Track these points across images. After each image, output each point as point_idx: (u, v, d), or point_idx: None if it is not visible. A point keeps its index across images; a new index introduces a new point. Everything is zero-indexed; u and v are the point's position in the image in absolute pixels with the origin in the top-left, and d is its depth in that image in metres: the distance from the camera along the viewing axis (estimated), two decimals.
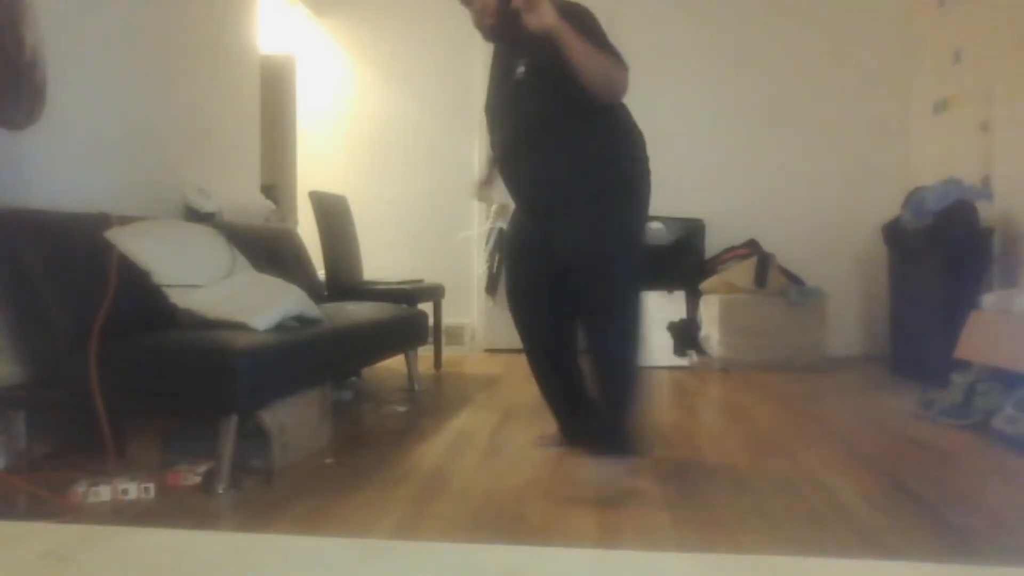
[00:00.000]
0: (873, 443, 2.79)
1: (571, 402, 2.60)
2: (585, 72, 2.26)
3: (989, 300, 3.27)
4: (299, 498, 2.06)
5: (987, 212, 3.76)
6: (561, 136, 2.44)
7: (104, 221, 2.45)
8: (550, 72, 2.34)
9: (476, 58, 5.08)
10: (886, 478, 2.29)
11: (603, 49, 2.33)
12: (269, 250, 3.32)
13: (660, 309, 4.65)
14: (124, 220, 2.51)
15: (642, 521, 1.91)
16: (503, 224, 5.03)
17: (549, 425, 2.76)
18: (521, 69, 2.45)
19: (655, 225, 4.83)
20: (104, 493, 2.01)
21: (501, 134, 2.55)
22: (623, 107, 2.48)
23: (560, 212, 2.41)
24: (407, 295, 3.95)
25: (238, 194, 3.79)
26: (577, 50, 2.22)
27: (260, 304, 2.40)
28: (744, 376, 4.20)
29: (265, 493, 2.11)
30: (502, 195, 3.02)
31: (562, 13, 2.31)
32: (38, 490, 1.99)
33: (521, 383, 3.39)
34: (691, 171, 5.06)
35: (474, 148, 5.13)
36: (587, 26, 2.37)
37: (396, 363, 3.64)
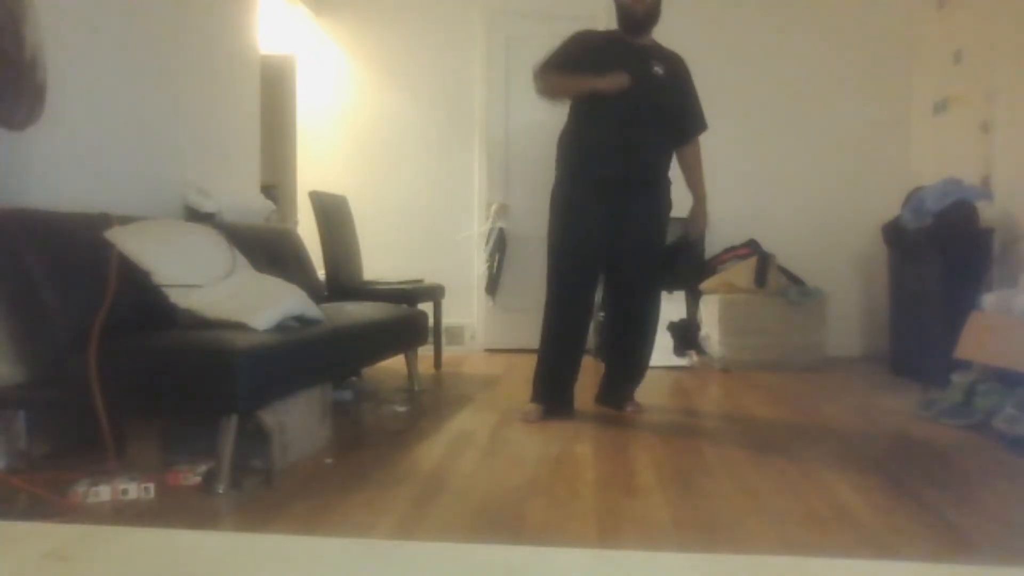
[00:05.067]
0: (873, 443, 2.79)
1: (576, 373, 3.14)
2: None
3: (989, 300, 3.26)
4: (299, 498, 2.06)
5: (987, 212, 3.75)
6: (665, 133, 3.08)
7: (104, 221, 2.44)
8: (677, 86, 3.08)
9: (476, 58, 5.09)
10: (886, 478, 2.29)
11: (699, 113, 3.20)
12: (269, 250, 3.32)
13: (660, 309, 4.65)
14: (124, 220, 2.51)
15: (642, 521, 1.91)
16: (503, 224, 5.03)
17: (547, 426, 2.79)
18: (659, 71, 3.02)
19: None
20: (104, 493, 2.00)
21: (627, 111, 2.95)
22: None
23: (645, 188, 3.06)
24: (407, 295, 3.95)
25: (238, 194, 3.78)
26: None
27: (260, 304, 2.40)
28: (744, 376, 4.20)
29: (265, 493, 2.11)
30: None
31: (666, 61, 3.06)
32: (38, 490, 1.99)
33: (521, 383, 3.39)
34: None
35: (474, 148, 5.13)
36: (689, 83, 3.14)
37: (396, 363, 3.63)
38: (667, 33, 3.17)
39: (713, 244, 4.94)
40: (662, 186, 3.11)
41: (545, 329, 3.09)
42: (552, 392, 3.08)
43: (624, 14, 3.02)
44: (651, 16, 3.01)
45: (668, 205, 3.15)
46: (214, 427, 2.11)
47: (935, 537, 1.79)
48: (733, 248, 4.84)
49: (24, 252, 2.15)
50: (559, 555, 1.34)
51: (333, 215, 4.11)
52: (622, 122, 2.96)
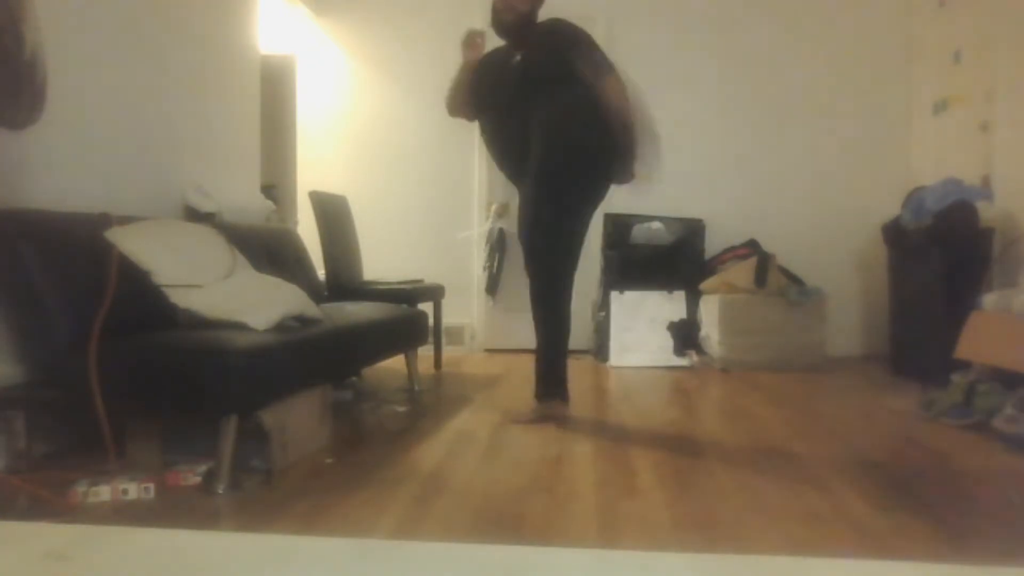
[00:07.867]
0: (873, 443, 2.79)
1: None
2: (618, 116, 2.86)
3: (989, 300, 3.26)
4: (299, 498, 2.06)
5: (987, 212, 3.75)
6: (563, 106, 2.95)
7: (104, 221, 2.44)
8: (544, 66, 2.94)
9: None
10: (886, 478, 2.29)
11: (594, 63, 2.89)
12: (269, 250, 3.32)
13: (660, 309, 4.65)
14: (124, 220, 2.51)
15: (642, 521, 1.91)
16: (503, 224, 5.03)
17: (547, 426, 2.83)
18: (517, 58, 3.01)
19: (655, 225, 4.83)
20: (104, 493, 2.00)
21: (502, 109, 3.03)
22: None
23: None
24: (407, 295, 3.95)
25: (238, 194, 3.79)
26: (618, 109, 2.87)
27: (260, 304, 2.40)
28: (744, 376, 4.20)
29: (265, 493, 2.11)
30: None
31: (546, 32, 2.95)
32: (38, 490, 1.99)
33: (521, 383, 3.39)
34: (691, 171, 5.06)
35: (474, 148, 5.12)
36: (570, 40, 2.92)
37: (396, 363, 3.63)
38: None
39: (713, 244, 4.95)
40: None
41: (556, 325, 3.01)
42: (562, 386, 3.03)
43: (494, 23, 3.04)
44: (514, 27, 2.99)
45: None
46: (214, 427, 2.11)
47: (935, 537, 1.79)
48: (733, 248, 4.84)
49: (24, 252, 2.15)
50: (559, 555, 1.34)
51: (333, 215, 4.11)
52: (523, 132, 2.97)
